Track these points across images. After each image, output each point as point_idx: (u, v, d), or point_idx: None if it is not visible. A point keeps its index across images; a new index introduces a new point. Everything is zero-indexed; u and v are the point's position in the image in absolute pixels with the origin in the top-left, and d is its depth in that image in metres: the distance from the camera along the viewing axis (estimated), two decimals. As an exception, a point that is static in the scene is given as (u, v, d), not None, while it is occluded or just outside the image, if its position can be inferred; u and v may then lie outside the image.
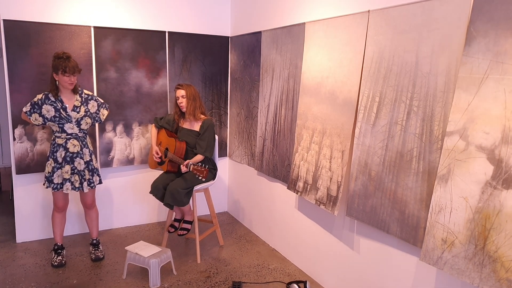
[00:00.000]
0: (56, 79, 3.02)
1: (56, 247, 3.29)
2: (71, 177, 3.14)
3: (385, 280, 2.46)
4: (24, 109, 3.07)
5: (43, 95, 3.07)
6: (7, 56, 3.33)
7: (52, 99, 3.06)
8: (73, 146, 3.12)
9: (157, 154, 3.40)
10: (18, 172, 3.51)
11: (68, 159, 3.12)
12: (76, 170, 3.15)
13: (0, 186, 5.30)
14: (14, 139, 3.45)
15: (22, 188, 3.59)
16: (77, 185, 3.16)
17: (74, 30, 3.53)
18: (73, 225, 3.84)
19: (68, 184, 3.12)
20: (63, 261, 3.24)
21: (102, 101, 3.34)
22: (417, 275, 2.23)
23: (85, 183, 3.19)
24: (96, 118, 3.27)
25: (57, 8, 3.47)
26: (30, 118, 3.07)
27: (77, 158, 3.14)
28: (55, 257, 3.25)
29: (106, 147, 3.82)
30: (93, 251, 3.38)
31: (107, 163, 3.84)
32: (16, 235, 3.65)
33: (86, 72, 3.59)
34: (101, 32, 3.64)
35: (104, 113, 3.32)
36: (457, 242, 1.85)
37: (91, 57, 3.63)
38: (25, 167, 3.51)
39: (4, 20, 3.29)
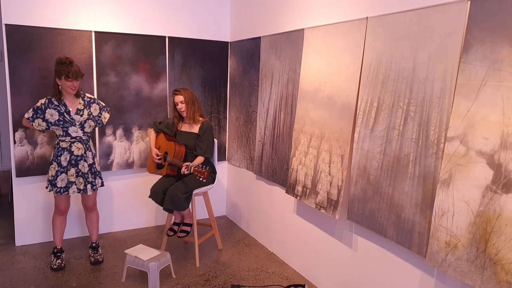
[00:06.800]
0: (59, 84, 3.05)
1: (55, 250, 3.30)
2: (75, 180, 3.16)
3: (384, 284, 2.48)
4: (26, 115, 3.09)
5: (46, 99, 3.09)
6: (8, 60, 3.36)
7: (56, 103, 3.09)
8: (78, 149, 3.15)
9: (157, 156, 3.42)
10: (18, 175, 3.52)
11: (73, 162, 3.14)
12: (80, 173, 3.17)
13: (-2, 190, 5.30)
14: (15, 142, 3.46)
15: (22, 191, 3.60)
16: (81, 187, 3.18)
17: (75, 35, 3.56)
18: (72, 229, 3.84)
19: (74, 187, 3.15)
20: (62, 264, 3.25)
21: (104, 104, 3.38)
22: (416, 281, 2.25)
23: (89, 186, 3.21)
24: (98, 121, 3.30)
25: (58, 13, 3.50)
26: (32, 124, 3.08)
27: (81, 161, 3.17)
28: (54, 260, 3.25)
29: (106, 150, 3.83)
30: (92, 254, 3.39)
31: (107, 167, 3.86)
32: (15, 238, 3.65)
33: (87, 76, 3.61)
34: (102, 36, 3.67)
35: (105, 116, 3.35)
36: (460, 245, 1.88)
37: (92, 61, 3.65)
38: (25, 170, 3.53)
39: (6, 25, 3.31)
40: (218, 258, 3.53)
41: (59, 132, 3.13)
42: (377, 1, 2.38)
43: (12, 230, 3.81)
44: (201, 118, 3.44)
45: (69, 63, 2.99)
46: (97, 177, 3.31)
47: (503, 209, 1.71)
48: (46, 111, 3.06)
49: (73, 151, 3.14)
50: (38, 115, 3.07)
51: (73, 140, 3.15)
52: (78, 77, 3.03)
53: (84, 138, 3.19)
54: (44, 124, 3.08)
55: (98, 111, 3.28)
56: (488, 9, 1.76)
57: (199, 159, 3.32)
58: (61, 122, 3.09)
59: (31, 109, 3.09)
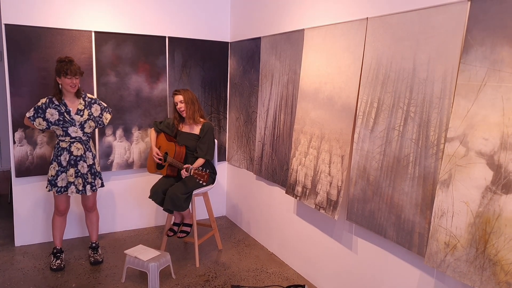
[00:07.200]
0: (59, 83, 3.05)
1: (55, 251, 3.30)
2: (75, 180, 3.16)
3: (384, 284, 2.48)
4: (28, 114, 3.09)
5: (47, 99, 3.10)
6: (8, 60, 3.35)
7: (56, 102, 3.09)
8: (77, 149, 3.15)
9: (158, 155, 3.41)
10: (17, 175, 3.52)
11: (72, 162, 3.14)
12: (79, 173, 3.17)
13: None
14: (14, 142, 3.46)
15: (21, 192, 3.60)
16: (80, 188, 3.18)
17: (75, 35, 3.56)
18: (72, 229, 3.84)
19: (72, 187, 3.15)
20: (62, 265, 3.24)
21: (105, 105, 3.38)
22: (415, 281, 2.25)
23: (88, 186, 3.21)
24: (99, 122, 3.30)
25: (58, 13, 3.50)
26: (33, 123, 3.09)
27: (81, 161, 3.17)
28: (54, 260, 3.25)
29: (105, 151, 3.83)
30: (92, 255, 3.39)
31: (107, 167, 3.86)
32: (15, 238, 3.65)
33: (87, 76, 3.62)
34: (102, 37, 3.67)
35: (107, 117, 3.35)
36: (459, 246, 1.89)
37: (92, 61, 3.65)
38: (24, 170, 3.53)
39: (6, 25, 3.31)
40: (218, 259, 3.53)
41: (59, 132, 3.13)
42: (377, 2, 2.38)
43: (12, 231, 3.81)
44: (201, 119, 3.43)
45: (68, 61, 3.00)
46: (97, 178, 3.31)
47: (503, 209, 1.71)
48: (47, 111, 3.07)
49: (72, 151, 3.14)
50: (39, 114, 3.07)
51: (73, 140, 3.15)
52: (77, 74, 3.03)
53: (84, 138, 3.19)
54: (44, 123, 3.08)
55: (99, 112, 3.28)
56: (488, 9, 1.76)
57: (200, 161, 3.31)
58: (61, 122, 3.09)
59: (32, 108, 3.10)
